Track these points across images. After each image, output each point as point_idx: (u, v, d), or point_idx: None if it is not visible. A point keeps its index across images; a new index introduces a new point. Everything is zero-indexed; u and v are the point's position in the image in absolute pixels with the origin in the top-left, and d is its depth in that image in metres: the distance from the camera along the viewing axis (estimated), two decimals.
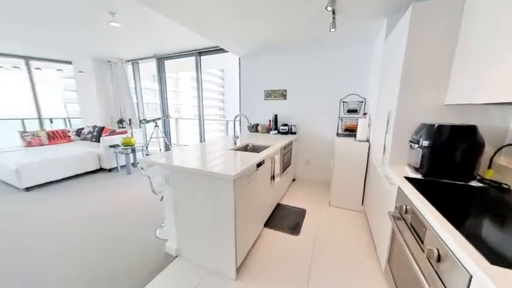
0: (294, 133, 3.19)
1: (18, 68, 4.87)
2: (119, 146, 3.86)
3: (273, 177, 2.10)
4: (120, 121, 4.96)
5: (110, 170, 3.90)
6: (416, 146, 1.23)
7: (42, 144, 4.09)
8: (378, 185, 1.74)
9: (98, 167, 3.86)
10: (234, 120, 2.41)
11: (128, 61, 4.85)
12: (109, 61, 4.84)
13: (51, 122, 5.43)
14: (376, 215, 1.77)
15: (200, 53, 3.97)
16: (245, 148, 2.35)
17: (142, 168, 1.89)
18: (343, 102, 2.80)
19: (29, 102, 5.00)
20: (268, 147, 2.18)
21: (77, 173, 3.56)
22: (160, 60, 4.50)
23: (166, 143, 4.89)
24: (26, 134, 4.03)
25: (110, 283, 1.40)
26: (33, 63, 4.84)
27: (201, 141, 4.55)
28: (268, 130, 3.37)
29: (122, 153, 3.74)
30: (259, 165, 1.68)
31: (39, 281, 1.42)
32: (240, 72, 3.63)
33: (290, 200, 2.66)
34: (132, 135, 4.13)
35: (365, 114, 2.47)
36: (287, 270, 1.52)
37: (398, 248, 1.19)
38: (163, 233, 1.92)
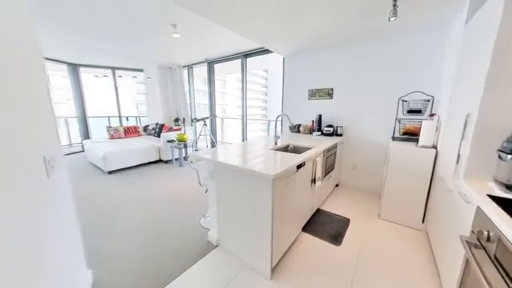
0: (340, 135, 2.96)
1: (107, 76, 6.16)
2: (174, 141, 4.41)
3: (313, 181, 2.01)
4: (176, 119, 5.67)
5: (166, 162, 4.51)
6: (510, 157, 0.95)
7: (120, 137, 5.07)
8: (446, 202, 1.44)
9: (158, 159, 4.52)
10: (276, 120, 2.41)
11: (184, 66, 5.49)
12: (170, 67, 5.59)
13: (127, 119, 6.67)
14: (442, 237, 1.47)
15: (246, 55, 4.14)
16: (285, 148, 2.32)
17: (191, 162, 2.11)
18: (403, 101, 2.42)
19: (112, 103, 6.29)
20: (310, 148, 2.10)
21: (143, 162, 4.26)
22: (211, 64, 4.90)
23: (212, 140, 5.31)
24: (110, 129, 5.08)
25: (161, 260, 1.63)
26: (117, 72, 6.04)
27: (243, 140, 4.75)
28: (311, 131, 3.23)
29: (177, 148, 4.27)
30: (299, 166, 1.63)
31: (107, 248, 1.78)
32: (283, 72, 3.60)
33: (332, 206, 2.48)
34: (185, 132, 4.66)
35: (432, 115, 2.07)
36: (325, 280, 1.43)
37: (474, 282, 0.96)
38: (206, 223, 2.09)
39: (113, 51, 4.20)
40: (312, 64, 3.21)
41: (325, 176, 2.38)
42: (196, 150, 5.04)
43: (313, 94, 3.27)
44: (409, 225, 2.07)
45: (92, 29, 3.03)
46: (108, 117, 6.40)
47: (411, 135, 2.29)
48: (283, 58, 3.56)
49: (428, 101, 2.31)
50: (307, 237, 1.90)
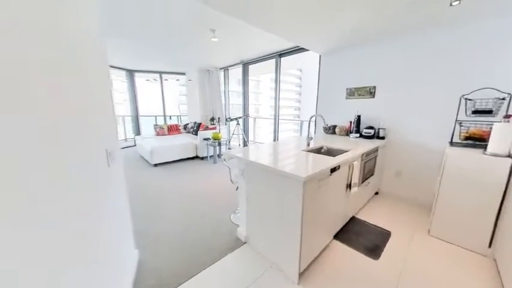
0: (382, 138, 2.67)
1: (156, 80, 6.94)
2: (210, 139, 4.68)
3: (349, 186, 1.87)
4: (212, 119, 6.01)
5: (202, 158, 4.83)
6: None
7: (164, 134, 5.65)
8: None
9: (195, 155, 4.87)
10: (309, 121, 2.32)
11: (220, 68, 5.77)
12: (208, 70, 5.95)
13: (170, 118, 7.38)
14: None
15: (280, 54, 4.10)
16: (319, 150, 2.22)
17: (224, 160, 2.21)
18: (467, 99, 2.03)
19: (159, 103, 7.05)
20: (346, 151, 1.96)
21: (182, 157, 4.66)
22: (246, 65, 5.03)
23: (244, 139, 5.45)
24: (156, 126, 5.71)
25: (194, 249, 1.75)
26: (164, 76, 6.74)
27: (274, 140, 4.73)
28: (348, 133, 3.01)
29: (211, 145, 4.53)
30: (333, 170, 1.54)
31: (152, 232, 1.99)
32: (319, 70, 3.45)
33: (369, 215, 2.27)
34: (219, 131, 4.91)
35: (508, 116, 1.69)
36: None
37: None
38: (236, 219, 2.16)
39: (161, 57, 4.71)
40: (351, 61, 2.98)
41: (362, 182, 2.18)
42: (229, 148, 5.25)
43: (352, 93, 3.03)
44: (470, 247, 1.73)
45: (146, 40, 3.46)
46: (155, 116, 7.21)
47: (476, 141, 1.91)
48: (319, 56, 3.41)
49: (504, 99, 1.88)
50: (339, 245, 1.78)
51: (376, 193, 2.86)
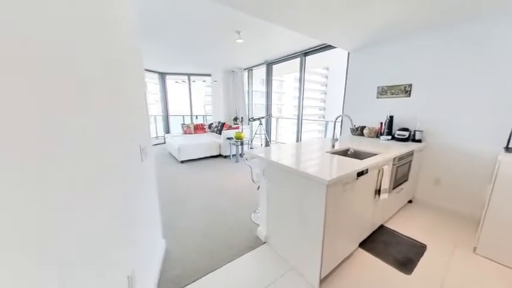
0: (418, 141, 2.42)
1: (184, 81, 7.35)
2: (232, 138, 4.79)
3: (378, 192, 1.74)
4: (235, 119, 6.14)
5: (225, 157, 4.97)
6: None
7: (191, 133, 5.95)
8: None
9: (218, 153, 5.03)
10: (335, 121, 2.22)
11: (244, 69, 5.86)
12: (232, 71, 6.09)
13: (196, 118, 7.74)
14: None
15: (305, 53, 4.00)
16: (344, 152, 2.11)
17: (246, 159, 2.24)
18: None
19: (186, 104, 7.45)
20: (375, 154, 1.82)
21: (206, 155, 4.85)
22: (269, 65, 5.02)
23: (266, 139, 5.45)
24: (184, 126, 6.04)
25: (215, 244, 1.81)
26: (191, 78, 7.11)
27: (297, 141, 4.64)
28: (378, 134, 2.80)
29: (234, 145, 4.63)
30: (360, 174, 1.45)
31: (178, 224, 2.11)
32: (347, 69, 3.27)
33: (400, 226, 2.08)
34: (242, 131, 4.99)
35: None
36: None
37: None
38: (256, 218, 2.17)
39: (190, 60, 4.97)
40: (383, 57, 2.76)
41: (394, 188, 2.01)
42: (251, 148, 5.30)
43: (384, 92, 2.81)
44: None
45: (177, 44, 3.69)
46: (183, 115, 7.63)
47: None
48: (348, 53, 3.23)
49: None
50: (365, 255, 1.67)
51: (410, 201, 2.60)
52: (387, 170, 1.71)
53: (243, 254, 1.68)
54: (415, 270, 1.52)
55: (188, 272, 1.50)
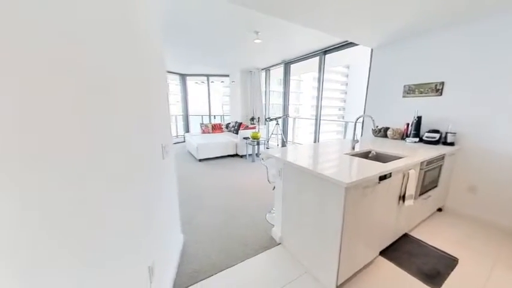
0: (450, 144, 2.22)
1: (203, 82, 7.58)
2: (249, 138, 4.82)
3: (402, 198, 1.63)
4: (252, 119, 6.17)
5: (241, 156, 5.02)
6: None
7: (209, 132, 6.12)
8: None
9: (235, 153, 5.10)
10: (356, 122, 2.12)
11: (262, 69, 5.86)
12: (250, 71, 6.14)
13: (214, 117, 7.94)
14: None
15: (325, 51, 3.89)
16: (366, 155, 2.00)
17: (262, 159, 2.24)
18: None
19: (205, 104, 7.67)
20: (400, 158, 1.71)
21: (223, 154, 4.95)
22: (287, 64, 4.96)
23: (283, 139, 5.40)
24: (202, 125, 6.23)
25: (230, 242, 1.83)
26: (210, 78, 7.31)
27: (315, 142, 4.52)
28: (403, 136, 2.62)
29: (250, 144, 4.66)
30: (383, 178, 1.37)
31: (195, 220, 2.18)
32: (370, 66, 3.11)
33: (427, 235, 1.92)
34: (258, 131, 5.00)
35: None
36: None
37: None
38: (271, 218, 2.16)
39: (210, 61, 5.12)
40: (411, 54, 2.57)
41: (421, 195, 1.86)
42: (267, 148, 5.29)
43: (411, 90, 2.62)
44: None
45: (198, 46, 3.82)
46: (202, 115, 7.88)
47: None
48: (371, 50, 3.07)
49: None
50: (386, 264, 1.57)
51: (440, 209, 2.39)
52: (413, 174, 1.59)
53: (257, 254, 1.68)
54: (444, 284, 1.39)
55: (204, 267, 1.55)
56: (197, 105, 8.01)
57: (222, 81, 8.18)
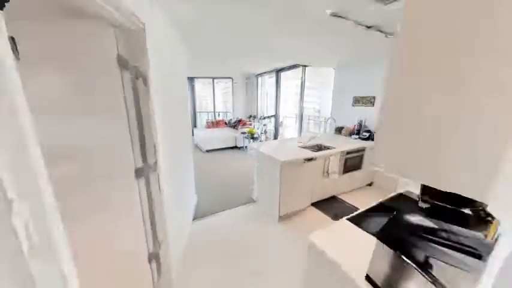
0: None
1: (210, 84, 8.62)
2: (246, 133, 5.92)
3: (327, 173, 2.71)
4: (250, 116, 7.24)
5: (239, 148, 6.15)
6: None
7: (213, 127, 7.25)
8: None
9: (234, 145, 6.23)
10: (325, 122, 3.17)
11: (257, 75, 6.85)
12: (248, 77, 7.14)
13: (218, 114, 9.02)
14: None
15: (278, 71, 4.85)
16: (313, 146, 3.06)
17: (249, 150, 3.33)
18: None
19: (210, 102, 8.75)
20: (333, 148, 2.76)
21: (224, 146, 6.09)
22: (278, 72, 5.95)
23: (274, 135, 6.46)
24: (208, 121, 7.36)
25: (224, 200, 2.97)
26: (215, 80, 8.34)
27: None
28: (351, 134, 3.65)
29: (247, 138, 5.76)
30: (310, 160, 2.44)
31: (203, 187, 3.34)
32: (334, 80, 4.10)
33: (350, 197, 3.00)
34: (254, 127, 6.08)
35: None
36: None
37: None
38: (253, 188, 3.29)
39: (215, 66, 6.16)
40: (358, 74, 3.56)
41: (345, 173, 2.93)
42: (260, 141, 6.37)
43: (357, 101, 3.62)
44: None
45: (207, 55, 4.86)
46: (207, 112, 8.99)
47: None
48: (334, 69, 4.05)
49: None
50: (314, 210, 2.69)
51: (370, 184, 3.46)
52: (333, 159, 2.66)
53: (240, 205, 2.83)
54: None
55: (208, 211, 2.71)
56: (203, 103, 9.09)
57: (226, 82, 9.21)
